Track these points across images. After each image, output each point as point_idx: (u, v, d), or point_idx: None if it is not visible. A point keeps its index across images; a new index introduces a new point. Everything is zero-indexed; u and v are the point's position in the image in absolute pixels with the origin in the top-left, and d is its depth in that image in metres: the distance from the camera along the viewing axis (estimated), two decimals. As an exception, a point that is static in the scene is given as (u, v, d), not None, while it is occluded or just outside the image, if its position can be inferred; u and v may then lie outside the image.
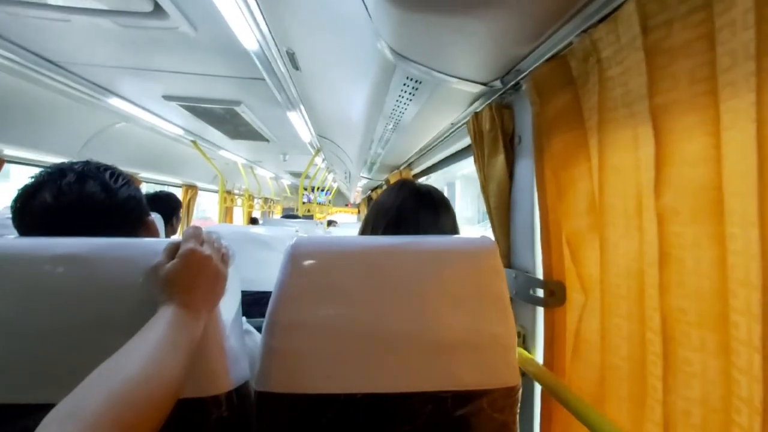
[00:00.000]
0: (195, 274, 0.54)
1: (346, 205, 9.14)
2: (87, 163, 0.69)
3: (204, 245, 0.57)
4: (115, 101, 2.40)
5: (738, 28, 0.44)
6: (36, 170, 0.67)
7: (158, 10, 1.45)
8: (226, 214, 5.74)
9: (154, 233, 0.76)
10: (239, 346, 0.65)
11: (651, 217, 0.56)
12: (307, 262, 0.64)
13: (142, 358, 0.44)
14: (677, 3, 0.51)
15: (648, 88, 0.54)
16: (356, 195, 5.42)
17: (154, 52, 1.86)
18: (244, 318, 0.94)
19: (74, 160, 0.70)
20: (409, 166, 2.55)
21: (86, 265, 0.55)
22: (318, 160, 4.15)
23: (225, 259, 0.62)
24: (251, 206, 5.93)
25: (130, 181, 0.72)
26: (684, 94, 0.51)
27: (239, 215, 6.50)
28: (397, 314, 0.63)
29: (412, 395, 0.64)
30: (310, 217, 5.17)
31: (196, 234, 0.58)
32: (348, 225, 2.58)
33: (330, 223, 7.23)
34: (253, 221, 6.35)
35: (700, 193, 0.50)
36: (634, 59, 0.57)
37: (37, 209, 0.62)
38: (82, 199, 0.64)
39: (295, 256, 0.64)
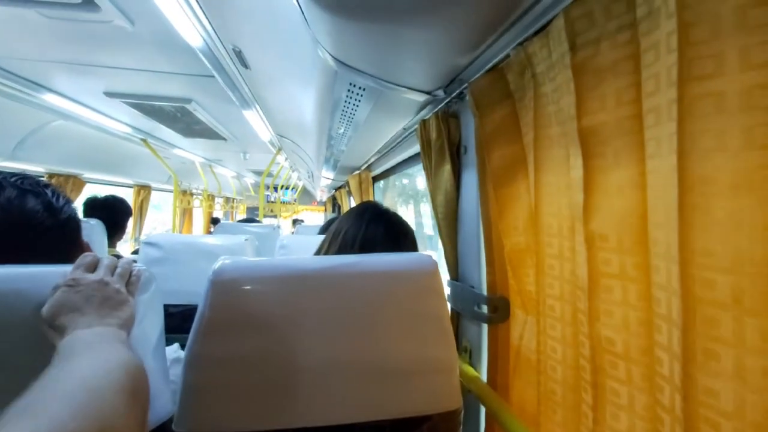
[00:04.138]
0: (81, 300, 0.49)
1: (312, 204, 9.00)
2: (24, 176, 0.62)
3: (98, 271, 0.53)
4: (50, 98, 2.22)
5: (662, 50, 0.42)
6: None
7: (88, 2, 1.33)
8: (184, 215, 5.50)
9: None
10: (160, 379, 0.59)
11: (581, 241, 0.54)
12: (231, 291, 0.59)
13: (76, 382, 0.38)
14: (605, 20, 0.49)
15: (576, 107, 0.52)
16: (322, 192, 5.33)
17: (90, 47, 1.72)
18: (176, 345, 0.87)
19: (1, 167, 0.63)
20: (369, 167, 2.50)
21: None
22: (280, 158, 4.03)
23: (132, 285, 0.57)
24: (211, 206, 5.71)
25: (70, 200, 0.67)
26: (611, 117, 0.49)
27: (199, 215, 6.25)
28: (334, 341, 0.59)
29: (348, 427, 0.61)
30: (274, 218, 5.04)
31: (85, 263, 0.53)
32: (313, 228, 2.51)
33: (295, 222, 7.11)
34: (215, 221, 6.14)
35: (626, 221, 0.48)
36: (564, 77, 0.54)
37: None
38: (23, 216, 0.57)
39: (218, 284, 0.59)
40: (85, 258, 0.54)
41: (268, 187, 4.83)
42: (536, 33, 0.63)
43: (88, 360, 0.40)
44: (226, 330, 0.58)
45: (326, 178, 3.33)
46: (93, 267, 0.54)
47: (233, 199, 8.23)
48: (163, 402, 0.58)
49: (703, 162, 0.37)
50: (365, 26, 0.74)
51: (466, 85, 0.86)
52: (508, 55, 0.70)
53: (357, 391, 0.60)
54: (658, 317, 0.44)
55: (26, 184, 0.61)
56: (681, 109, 0.39)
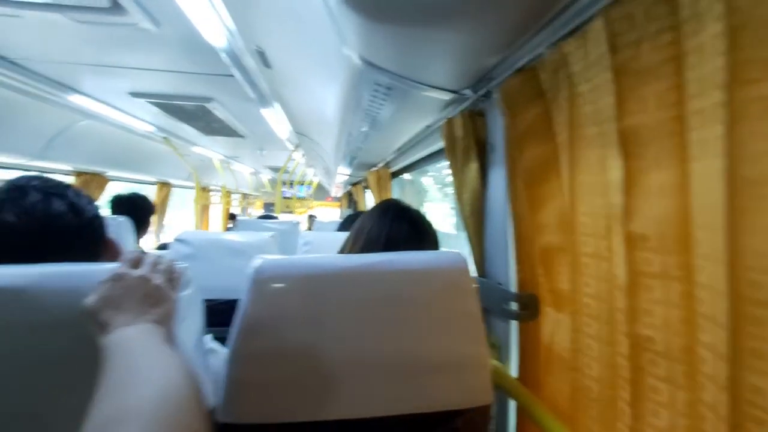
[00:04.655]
0: (124, 295, 0.50)
1: (326, 199, 9.05)
2: (46, 179, 0.64)
3: (142, 267, 0.54)
4: (77, 98, 2.28)
5: (707, 53, 0.42)
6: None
7: (116, 6, 1.36)
8: (203, 212, 5.60)
9: (114, 252, 0.72)
10: (201, 374, 0.62)
11: (620, 241, 0.55)
12: (272, 287, 0.61)
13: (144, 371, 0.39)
14: (646, 22, 0.49)
15: (616, 108, 0.53)
16: (337, 188, 5.36)
17: (116, 49, 1.76)
18: (209, 336, 0.91)
19: (32, 166, 0.65)
20: (387, 165, 2.52)
21: (24, 298, 0.50)
22: (297, 155, 4.07)
23: (174, 281, 0.58)
24: (229, 203, 5.81)
25: (92, 200, 0.68)
26: (651, 119, 0.49)
27: (217, 212, 6.36)
28: (368, 337, 0.61)
29: (385, 419, 0.63)
30: (290, 213, 5.10)
31: (129, 258, 0.55)
32: (330, 224, 2.54)
33: (311, 217, 7.16)
34: (232, 217, 6.24)
35: (668, 222, 0.48)
36: (602, 78, 0.55)
37: None
38: (48, 218, 0.59)
39: (259, 282, 0.61)
40: (130, 254, 0.56)
41: (284, 183, 4.88)
42: (570, 33, 0.63)
43: (158, 368, 0.40)
44: (266, 326, 0.60)
45: (343, 174, 3.36)
46: (137, 263, 0.55)
47: (249, 195, 8.34)
48: (205, 395, 0.61)
49: (753, 165, 0.37)
50: (395, 28, 0.74)
51: (493, 83, 0.86)
52: (540, 54, 0.71)
53: (391, 386, 0.62)
54: (701, 316, 0.44)
55: (48, 186, 0.62)
56: (729, 112, 0.39)
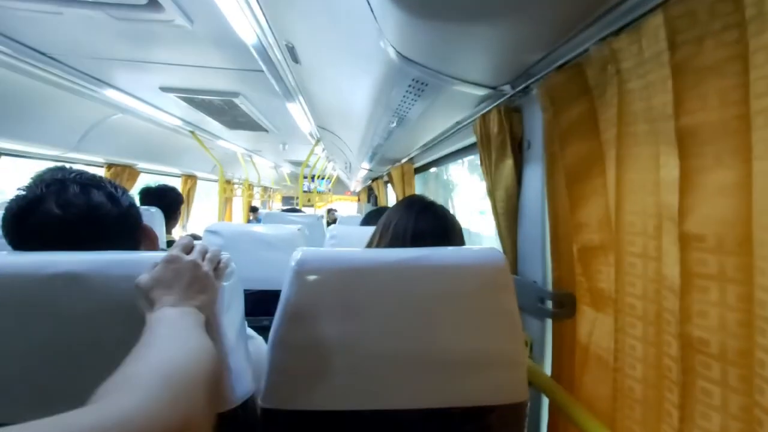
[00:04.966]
0: (174, 278, 0.53)
1: (345, 193, 9.09)
2: (81, 172, 0.67)
3: (193, 254, 0.57)
4: (111, 93, 2.35)
5: (775, 51, 0.41)
6: (35, 163, 0.65)
7: (153, 3, 1.40)
8: (226, 204, 5.71)
9: (152, 238, 0.76)
10: (244, 360, 0.64)
11: (673, 241, 0.54)
12: (313, 279, 0.63)
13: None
14: (709, 19, 0.48)
15: (674, 107, 0.52)
16: (356, 183, 5.38)
17: (150, 45, 1.81)
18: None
19: (68, 158, 0.68)
20: (411, 160, 2.51)
21: (85, 283, 0.53)
22: (318, 149, 4.10)
23: (220, 270, 0.61)
24: (251, 196, 5.90)
25: (126, 190, 0.72)
26: (712, 117, 0.48)
27: (238, 204, 6.47)
28: (406, 330, 0.62)
29: (420, 412, 0.64)
30: (311, 207, 5.15)
31: (182, 243, 0.58)
32: (353, 218, 2.54)
33: (330, 211, 7.22)
34: (253, 210, 6.34)
35: (728, 222, 0.47)
36: (658, 75, 0.54)
37: (42, 222, 0.60)
38: (90, 209, 0.62)
39: (301, 272, 0.62)
40: (183, 239, 0.59)
41: (305, 177, 4.93)
42: (620, 29, 0.62)
43: (180, 343, 0.43)
44: (307, 316, 0.61)
45: (364, 168, 3.37)
46: (189, 249, 0.58)
47: (270, 188, 8.45)
48: (247, 381, 0.63)
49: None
50: (435, 23, 0.74)
51: (534, 79, 0.85)
52: (585, 50, 0.70)
53: (426, 379, 0.63)
54: (761, 320, 0.43)
55: (85, 178, 0.66)
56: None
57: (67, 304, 0.53)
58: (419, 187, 3.19)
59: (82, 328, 0.53)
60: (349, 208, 9.68)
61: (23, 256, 0.55)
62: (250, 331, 0.87)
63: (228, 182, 5.49)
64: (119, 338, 0.53)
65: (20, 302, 0.52)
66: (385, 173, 3.51)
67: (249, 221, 5.59)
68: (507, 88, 0.94)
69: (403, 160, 2.58)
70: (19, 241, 0.61)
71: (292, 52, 1.67)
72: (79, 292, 0.53)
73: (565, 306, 0.84)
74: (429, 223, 0.81)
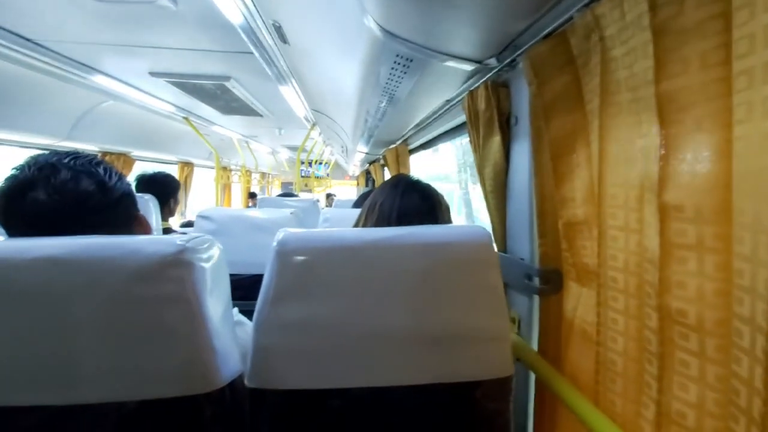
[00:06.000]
0: None
1: (344, 178, 9.06)
2: (76, 156, 0.65)
3: None
4: (100, 79, 2.31)
5: (759, 8, 0.39)
6: (29, 152, 0.63)
7: (133, -17, 1.36)
8: (224, 191, 5.70)
9: (146, 228, 0.74)
10: (230, 341, 0.64)
11: (653, 212, 0.53)
12: (296, 260, 0.62)
13: None
14: (690, -24, 0.45)
15: (654, 72, 0.50)
16: (354, 167, 5.35)
17: (135, 28, 1.77)
18: (235, 309, 0.93)
19: (61, 147, 0.67)
20: (405, 141, 2.48)
21: (71, 268, 0.52)
22: (314, 134, 4.06)
23: None
24: (249, 182, 5.89)
25: (123, 176, 0.70)
26: (694, 81, 0.46)
27: (238, 191, 6.46)
28: (390, 308, 0.62)
29: (406, 388, 0.64)
30: (309, 192, 5.15)
31: None
32: (348, 202, 2.54)
33: (329, 196, 7.20)
34: (252, 195, 6.33)
35: (707, 191, 0.46)
36: (639, 39, 0.52)
37: (29, 209, 0.59)
38: (78, 197, 0.61)
39: (282, 253, 0.62)
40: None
41: (302, 162, 4.90)
42: (604, -7, 0.59)
43: None
44: (290, 296, 0.61)
45: (360, 152, 3.34)
46: None
47: (268, 174, 8.42)
48: (234, 362, 0.63)
49: (807, 127, 0.35)
50: (416, -7, 0.72)
51: (520, 51, 0.82)
52: (570, 18, 0.67)
53: (415, 356, 0.63)
54: (739, 289, 0.42)
55: (79, 164, 0.64)
56: (780, 70, 0.37)
57: (49, 287, 0.52)
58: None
59: (64, 312, 0.53)
60: (349, 192, 9.66)
61: (3, 243, 0.55)
62: (239, 317, 0.87)
63: (225, 169, 5.46)
64: (101, 320, 0.53)
65: (2, 287, 0.52)
66: (381, 156, 3.48)
67: (248, 207, 5.59)
68: (493, 61, 0.91)
69: (398, 142, 2.55)
70: (9, 228, 0.60)
71: (279, 32, 1.63)
72: (60, 275, 0.52)
73: (551, 282, 0.84)
74: (415, 202, 0.80)
